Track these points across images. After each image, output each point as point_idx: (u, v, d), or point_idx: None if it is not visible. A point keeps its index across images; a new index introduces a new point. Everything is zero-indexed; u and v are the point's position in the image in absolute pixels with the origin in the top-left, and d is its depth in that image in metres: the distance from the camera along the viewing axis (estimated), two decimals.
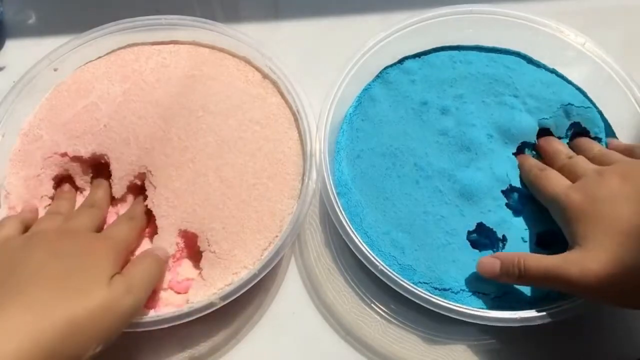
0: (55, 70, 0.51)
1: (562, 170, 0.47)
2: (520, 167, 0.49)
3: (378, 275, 0.43)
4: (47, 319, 0.34)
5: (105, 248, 0.40)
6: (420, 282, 0.45)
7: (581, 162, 0.46)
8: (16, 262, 0.38)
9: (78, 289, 0.36)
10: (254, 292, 0.48)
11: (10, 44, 0.61)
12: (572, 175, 0.46)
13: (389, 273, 0.43)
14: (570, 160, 0.47)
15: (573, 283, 0.39)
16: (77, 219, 0.44)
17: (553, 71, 0.53)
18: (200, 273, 0.45)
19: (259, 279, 0.43)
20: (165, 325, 0.42)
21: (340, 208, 0.45)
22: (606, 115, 0.51)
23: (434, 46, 0.54)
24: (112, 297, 0.37)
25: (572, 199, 0.42)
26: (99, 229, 0.46)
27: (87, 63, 0.52)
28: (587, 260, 0.39)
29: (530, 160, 0.50)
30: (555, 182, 0.45)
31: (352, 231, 0.44)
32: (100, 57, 0.53)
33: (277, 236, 0.45)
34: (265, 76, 0.51)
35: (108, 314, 0.37)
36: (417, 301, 0.42)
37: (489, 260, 0.44)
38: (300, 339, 0.47)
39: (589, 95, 0.52)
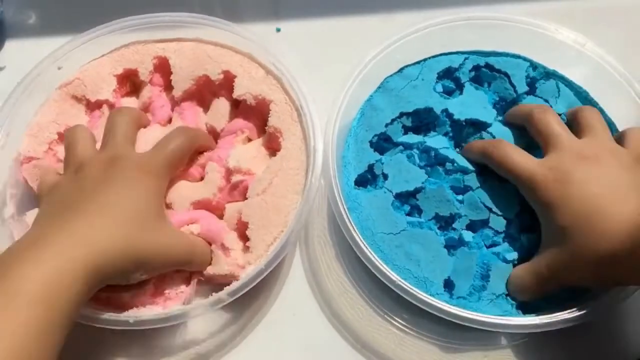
0: (59, 68, 0.51)
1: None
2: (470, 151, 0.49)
3: (395, 290, 0.42)
4: (108, 241, 0.38)
5: (152, 180, 0.43)
6: (437, 294, 0.44)
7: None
8: (76, 190, 0.41)
9: (141, 224, 0.40)
10: (257, 295, 0.47)
11: (10, 44, 0.61)
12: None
13: (407, 287, 0.42)
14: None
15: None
16: (111, 137, 0.45)
17: (553, 73, 0.53)
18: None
19: (265, 274, 0.42)
20: (169, 324, 0.41)
21: (352, 224, 0.45)
22: (609, 116, 0.51)
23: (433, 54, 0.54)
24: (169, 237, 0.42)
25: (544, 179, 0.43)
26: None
27: (91, 61, 0.52)
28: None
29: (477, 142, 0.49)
30: (519, 156, 0.45)
31: (366, 246, 0.44)
32: (104, 55, 0.52)
33: (282, 231, 0.45)
34: (268, 72, 0.51)
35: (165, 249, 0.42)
36: (436, 313, 0.42)
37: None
38: (303, 343, 0.47)
39: (591, 95, 0.52)
